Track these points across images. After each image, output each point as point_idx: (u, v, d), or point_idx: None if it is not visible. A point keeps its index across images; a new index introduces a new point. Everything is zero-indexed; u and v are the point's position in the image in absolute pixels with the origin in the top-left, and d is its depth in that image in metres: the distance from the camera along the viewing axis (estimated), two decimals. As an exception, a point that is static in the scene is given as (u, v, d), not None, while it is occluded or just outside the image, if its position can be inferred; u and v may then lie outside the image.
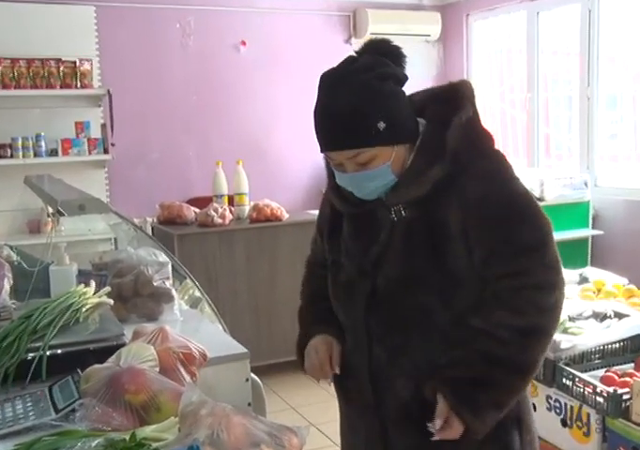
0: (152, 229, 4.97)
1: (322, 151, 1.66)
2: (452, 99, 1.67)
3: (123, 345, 1.78)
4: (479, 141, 1.68)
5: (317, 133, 1.64)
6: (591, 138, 5.21)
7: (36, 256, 2.81)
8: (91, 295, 2.10)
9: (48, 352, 1.74)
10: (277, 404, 4.12)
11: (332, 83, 1.61)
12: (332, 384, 1.88)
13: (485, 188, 1.61)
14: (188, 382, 1.54)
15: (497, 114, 6.18)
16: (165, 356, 1.65)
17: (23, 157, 4.90)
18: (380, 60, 1.62)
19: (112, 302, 2.14)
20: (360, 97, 1.57)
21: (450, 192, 1.60)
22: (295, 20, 5.89)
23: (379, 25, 5.90)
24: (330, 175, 1.76)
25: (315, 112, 1.62)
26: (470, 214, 1.59)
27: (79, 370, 1.65)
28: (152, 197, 5.22)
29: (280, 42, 5.84)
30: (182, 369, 1.66)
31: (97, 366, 1.53)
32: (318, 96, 1.63)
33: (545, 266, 1.60)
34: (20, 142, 4.88)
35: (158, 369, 1.55)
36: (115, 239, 4.45)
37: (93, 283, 2.18)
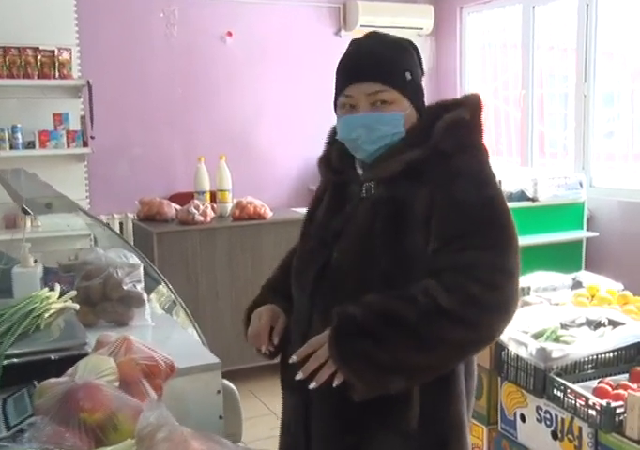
0: (133, 225, 4.89)
1: (344, 87, 1.69)
2: (455, 104, 1.72)
3: (85, 355, 1.70)
4: (466, 139, 1.67)
5: (344, 69, 1.71)
6: (587, 136, 5.14)
7: (9, 254, 2.72)
8: (55, 300, 2.01)
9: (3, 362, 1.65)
10: (258, 409, 4.04)
11: (367, 36, 1.74)
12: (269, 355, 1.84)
13: (459, 183, 1.60)
14: (150, 398, 1.44)
15: (491, 111, 6.10)
16: (128, 368, 1.56)
17: (-2, 149, 4.79)
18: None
19: (77, 307, 2.05)
20: (394, 46, 1.71)
21: (424, 180, 1.62)
22: (283, 10, 5.80)
23: (370, 18, 5.81)
24: (328, 143, 1.86)
25: (346, 52, 1.73)
26: (438, 204, 1.59)
27: (35, 382, 1.57)
28: (134, 192, 5.13)
29: (267, 33, 5.74)
30: (146, 383, 1.57)
31: (51, 380, 1.44)
32: (350, 45, 1.74)
33: (497, 268, 1.54)
34: (-5, 134, 4.78)
35: (117, 384, 1.46)
36: (95, 236, 4.37)
37: (58, 286, 2.10)
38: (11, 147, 4.83)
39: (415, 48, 1.75)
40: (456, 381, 1.69)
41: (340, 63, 1.73)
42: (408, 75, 1.68)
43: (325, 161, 1.86)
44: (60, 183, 4.50)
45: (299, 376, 1.55)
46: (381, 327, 1.51)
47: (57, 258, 3.40)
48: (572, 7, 5.18)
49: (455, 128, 1.66)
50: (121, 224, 5.41)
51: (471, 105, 1.70)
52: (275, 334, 1.77)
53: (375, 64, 1.67)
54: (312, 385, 1.54)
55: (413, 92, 1.70)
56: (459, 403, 1.70)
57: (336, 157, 1.81)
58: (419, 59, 1.75)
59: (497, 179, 1.68)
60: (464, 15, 6.18)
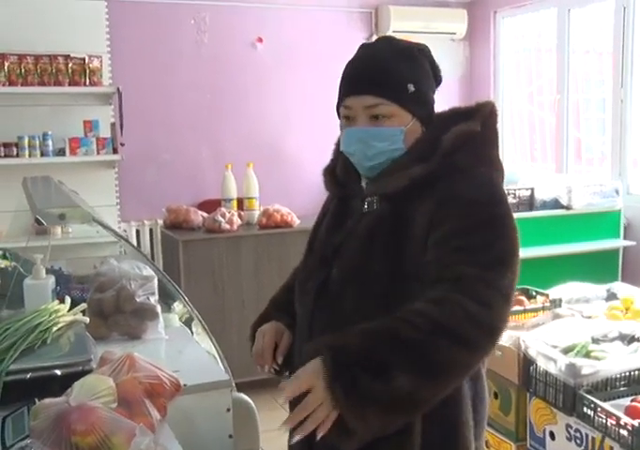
0: (161, 233, 4.87)
1: (344, 97, 1.62)
2: (467, 113, 1.63)
3: (90, 371, 1.65)
4: (474, 155, 1.58)
5: (345, 79, 1.63)
6: (624, 143, 4.99)
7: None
8: (65, 313, 1.97)
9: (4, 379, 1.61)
10: (283, 420, 3.97)
11: (376, 41, 1.68)
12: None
13: (466, 199, 1.52)
14: (140, 426, 1.37)
15: (525, 117, 5.98)
16: (130, 387, 1.50)
17: (30, 156, 4.79)
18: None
19: (87, 320, 2.00)
20: (399, 55, 1.60)
21: (428, 196, 1.54)
22: (314, 16, 5.74)
23: (402, 23, 5.72)
24: (336, 152, 1.78)
25: (352, 59, 1.64)
26: (439, 213, 1.50)
27: (36, 400, 1.52)
28: (163, 199, 5.11)
29: (298, 40, 5.69)
30: (149, 403, 1.51)
31: (46, 400, 1.39)
32: (358, 50, 1.66)
33: (495, 288, 1.43)
34: (26, 141, 4.77)
35: (116, 405, 1.40)
36: (123, 244, 4.35)
37: (68, 299, 2.05)
38: (42, 154, 4.84)
39: (426, 55, 1.65)
40: (460, 407, 1.57)
41: (344, 70, 1.64)
42: (411, 87, 1.57)
43: (330, 173, 1.77)
44: (90, 190, 4.54)
45: (296, 438, 1.31)
46: (382, 355, 1.36)
47: (85, 265, 3.37)
48: (609, 10, 5.05)
49: (464, 143, 1.56)
50: (151, 231, 5.40)
51: (484, 115, 1.61)
52: (279, 353, 1.69)
53: (375, 76, 1.58)
54: (296, 439, 1.31)
55: (416, 104, 1.60)
56: (465, 430, 1.58)
57: (341, 169, 1.73)
58: (433, 66, 1.65)
59: (507, 196, 1.60)
60: (498, 19, 6.06)
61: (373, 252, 1.56)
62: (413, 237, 1.52)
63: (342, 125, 1.66)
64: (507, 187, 3.01)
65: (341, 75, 1.64)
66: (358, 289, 1.56)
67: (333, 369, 1.33)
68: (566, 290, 3.39)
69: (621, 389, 2.62)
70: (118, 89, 4.89)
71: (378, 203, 1.62)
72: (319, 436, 1.31)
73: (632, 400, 2.53)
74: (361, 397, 1.32)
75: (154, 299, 2.19)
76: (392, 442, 1.49)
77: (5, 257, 2.94)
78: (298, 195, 5.51)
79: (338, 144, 1.78)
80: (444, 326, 1.37)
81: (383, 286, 1.53)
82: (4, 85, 4.72)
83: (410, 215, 1.55)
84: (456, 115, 1.63)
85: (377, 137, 1.58)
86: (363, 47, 1.66)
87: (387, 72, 1.58)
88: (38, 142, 4.81)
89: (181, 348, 2.12)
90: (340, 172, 1.73)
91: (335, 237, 1.66)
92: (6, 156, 4.76)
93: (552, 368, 2.66)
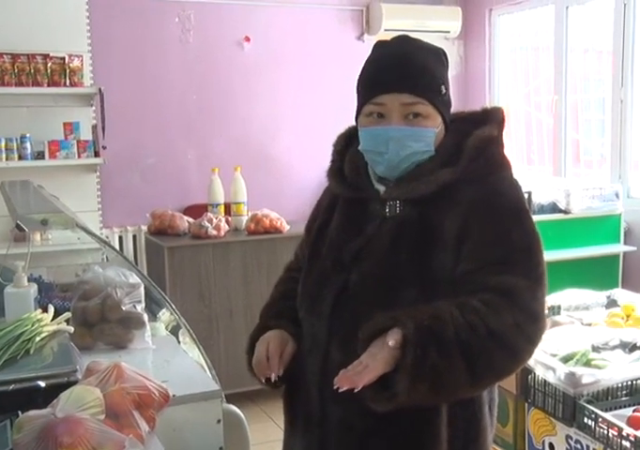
0: (145, 239, 4.87)
1: (376, 93, 1.61)
2: (479, 118, 1.69)
3: (75, 382, 1.66)
4: (497, 158, 1.65)
5: (375, 76, 1.63)
6: (624, 144, 5.03)
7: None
8: (48, 322, 1.98)
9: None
10: (274, 433, 3.98)
11: (396, 40, 1.67)
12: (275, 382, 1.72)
13: (499, 208, 1.59)
14: (129, 437, 1.39)
15: (522, 118, 6.02)
16: (118, 398, 1.52)
17: (7, 159, 4.77)
18: None
19: (71, 330, 2.01)
20: (431, 56, 1.64)
21: (455, 201, 1.58)
22: (303, 14, 5.77)
23: (394, 21, 5.75)
24: (337, 153, 1.77)
25: (375, 56, 1.65)
26: (476, 227, 1.55)
27: (19, 413, 1.53)
28: (147, 204, 5.11)
29: (287, 38, 5.72)
30: (137, 414, 1.53)
31: (31, 412, 1.40)
32: (378, 48, 1.67)
33: (536, 299, 1.53)
34: (3, 144, 4.76)
35: (103, 417, 1.41)
36: (105, 251, 4.35)
37: (52, 307, 2.06)
38: (20, 158, 4.82)
39: (446, 57, 1.70)
40: (483, 414, 1.65)
41: (369, 67, 1.65)
42: (443, 89, 1.63)
43: (335, 173, 1.76)
44: (71, 194, 4.54)
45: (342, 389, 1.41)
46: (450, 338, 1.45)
47: (66, 273, 3.37)
48: (608, 8, 5.10)
49: (487, 147, 1.62)
50: (134, 237, 5.40)
51: (498, 120, 1.66)
52: (281, 362, 1.65)
53: (413, 74, 1.59)
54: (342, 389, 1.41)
55: (445, 107, 1.65)
56: (485, 437, 1.67)
57: (350, 170, 1.73)
58: (448, 69, 1.70)
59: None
60: (494, 17, 6.11)
61: (400, 258, 1.59)
62: (441, 243, 1.57)
63: (365, 123, 1.64)
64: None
65: (363, 73, 1.65)
66: (384, 295, 1.58)
67: (414, 335, 1.42)
68: (565, 297, 3.42)
69: (623, 399, 2.65)
70: (100, 90, 4.90)
71: (402, 208, 1.63)
72: (356, 389, 1.39)
73: (634, 410, 2.56)
74: (425, 369, 1.41)
75: (140, 307, 2.20)
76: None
77: (-18, 265, 2.95)
78: (288, 199, 5.53)
79: (336, 146, 1.79)
80: (497, 331, 1.45)
81: (410, 292, 1.56)
82: (-20, 86, 4.72)
83: (437, 220, 1.59)
84: (468, 119, 1.68)
85: (413, 137, 1.60)
86: (384, 45, 1.67)
87: (424, 72, 1.60)
88: (15, 145, 4.80)
89: (169, 357, 2.13)
90: (349, 174, 1.73)
91: (352, 241, 1.66)
92: (-18, 159, 4.76)
93: (551, 378, 2.69)
